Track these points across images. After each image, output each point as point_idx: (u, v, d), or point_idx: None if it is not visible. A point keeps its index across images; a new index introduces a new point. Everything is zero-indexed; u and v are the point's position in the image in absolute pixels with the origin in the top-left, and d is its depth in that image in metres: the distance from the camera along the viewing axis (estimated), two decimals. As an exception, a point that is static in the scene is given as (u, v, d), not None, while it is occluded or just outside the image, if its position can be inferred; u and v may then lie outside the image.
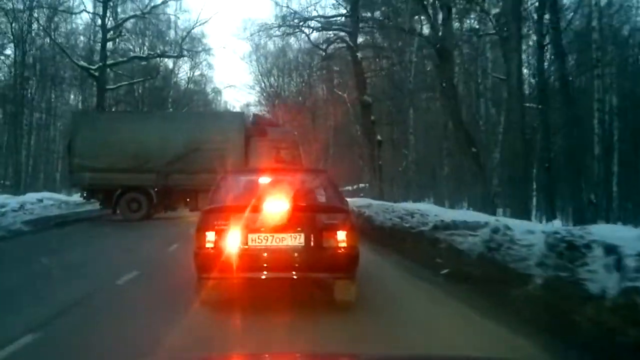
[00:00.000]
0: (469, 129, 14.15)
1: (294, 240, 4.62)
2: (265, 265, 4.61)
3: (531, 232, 6.82)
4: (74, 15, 30.44)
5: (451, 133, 24.98)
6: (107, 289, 5.96)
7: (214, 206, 4.90)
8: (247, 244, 4.60)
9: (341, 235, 4.68)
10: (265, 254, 4.60)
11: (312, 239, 4.62)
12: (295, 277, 4.67)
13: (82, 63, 26.50)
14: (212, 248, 4.61)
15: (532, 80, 23.39)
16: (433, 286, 6.24)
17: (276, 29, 24.23)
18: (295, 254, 4.61)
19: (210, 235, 4.62)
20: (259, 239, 4.61)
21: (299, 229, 4.63)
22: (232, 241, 4.58)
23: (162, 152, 15.35)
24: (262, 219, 4.58)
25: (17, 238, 11.39)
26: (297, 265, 4.61)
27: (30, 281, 6.33)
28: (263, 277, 4.67)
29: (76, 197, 20.42)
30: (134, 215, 15.46)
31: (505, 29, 11.98)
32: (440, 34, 13.22)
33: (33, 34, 29.00)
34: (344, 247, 4.68)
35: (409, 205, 11.95)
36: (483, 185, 12.26)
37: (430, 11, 15.40)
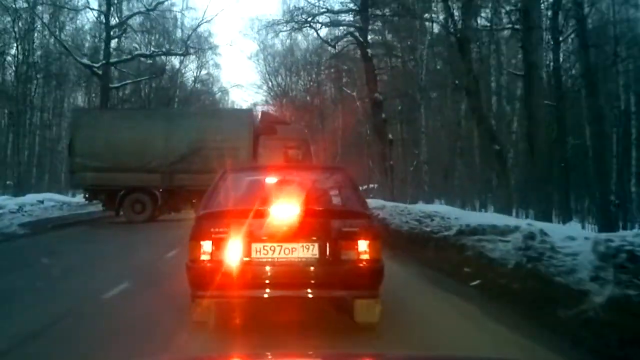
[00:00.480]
0: (491, 126, 13.29)
1: (307, 251, 3.85)
2: (271, 281, 3.83)
3: (572, 238, 6.03)
4: (80, 15, 29.97)
5: (465, 132, 24.20)
6: (90, 304, 5.23)
7: (211, 210, 4.12)
8: (250, 255, 3.84)
9: (363, 245, 3.90)
10: (272, 268, 3.83)
11: (328, 249, 3.85)
12: (308, 295, 3.89)
13: (84, 60, 25.88)
14: (208, 261, 3.85)
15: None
16: (464, 301, 5.42)
17: (284, 24, 23.49)
18: (308, 268, 3.84)
19: (206, 246, 3.86)
20: (264, 249, 3.85)
21: (312, 237, 3.87)
22: (232, 252, 3.83)
23: (167, 151, 14.72)
24: (268, 226, 3.82)
25: (8, 242, 10.75)
26: (310, 281, 3.84)
27: (2, 295, 5.60)
28: (269, 295, 3.88)
29: (79, 198, 19.80)
30: (138, 217, 14.83)
31: (525, 20, 11.14)
32: (459, 23, 12.36)
33: (36, 33, 28.55)
34: (366, 260, 3.90)
35: (426, 207, 11.15)
36: (506, 185, 11.43)
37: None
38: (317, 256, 3.85)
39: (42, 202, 19.45)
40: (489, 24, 20.88)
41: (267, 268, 3.82)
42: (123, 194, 14.93)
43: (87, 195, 16.18)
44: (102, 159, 14.61)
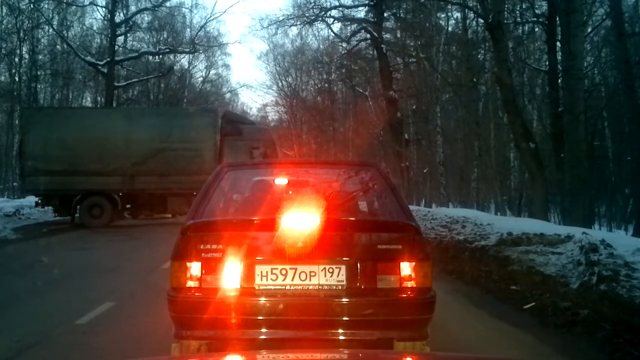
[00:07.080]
0: (526, 121, 12.17)
1: (330, 276, 2.81)
2: (281, 318, 2.78)
3: (645, 251, 4.96)
4: (88, 14, 29.29)
5: (483, 131, 23.00)
6: (59, 333, 4.25)
7: (201, 220, 3.08)
8: (252, 282, 2.81)
9: (407, 268, 2.85)
10: (283, 300, 2.79)
11: (359, 274, 2.81)
12: (331, 337, 2.83)
13: (88, 58, 25.11)
14: (196, 289, 2.83)
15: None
16: (521, 331, 4.34)
17: (295, 19, 22.55)
18: (332, 301, 2.80)
19: (194, 268, 2.84)
20: (272, 274, 2.81)
21: (338, 258, 2.84)
22: (229, 278, 2.81)
23: (128, 153, 13.84)
24: (277, 242, 2.79)
25: (-5, 248, 9.83)
26: (334, 318, 2.79)
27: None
28: (278, 337, 2.82)
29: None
30: (95, 221, 13.86)
31: (566, 1, 10.01)
32: (490, 4, 11.27)
33: (42, 32, 27.89)
34: (411, 289, 2.86)
35: (453, 212, 10.12)
36: (542, 187, 10.33)
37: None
38: (344, 283, 2.81)
39: (42, 204, 18.69)
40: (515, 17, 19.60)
41: (277, 300, 2.78)
42: (79, 198, 13.97)
43: (39, 201, 14.86)
44: (56, 162, 13.65)
